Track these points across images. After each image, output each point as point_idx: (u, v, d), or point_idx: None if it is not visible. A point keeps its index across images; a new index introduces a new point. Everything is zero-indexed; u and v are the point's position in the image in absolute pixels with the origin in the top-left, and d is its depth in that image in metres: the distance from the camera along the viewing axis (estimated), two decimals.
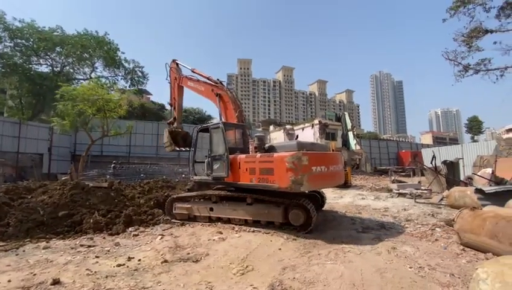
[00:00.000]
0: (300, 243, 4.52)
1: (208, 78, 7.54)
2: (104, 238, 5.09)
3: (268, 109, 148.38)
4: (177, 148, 8.20)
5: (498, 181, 10.18)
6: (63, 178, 10.93)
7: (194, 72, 8.03)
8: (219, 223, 5.88)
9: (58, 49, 22.42)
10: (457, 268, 3.38)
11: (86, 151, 13.77)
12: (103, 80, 22.53)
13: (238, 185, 5.66)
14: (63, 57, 23.25)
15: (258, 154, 5.37)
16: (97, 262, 3.82)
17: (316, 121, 28.26)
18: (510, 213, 4.10)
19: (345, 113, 30.77)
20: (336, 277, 3.15)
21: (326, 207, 7.64)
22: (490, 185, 9.10)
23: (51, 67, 23.25)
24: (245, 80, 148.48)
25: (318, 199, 7.23)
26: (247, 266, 3.54)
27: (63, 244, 4.73)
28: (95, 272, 3.44)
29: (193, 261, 3.77)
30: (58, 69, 23.54)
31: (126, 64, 25.74)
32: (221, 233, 5.20)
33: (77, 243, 4.77)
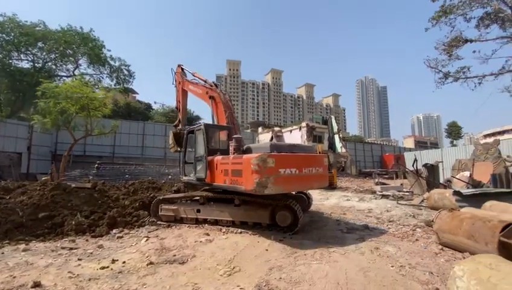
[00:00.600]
0: (287, 243, 4.58)
1: (205, 81, 7.79)
2: (86, 240, 4.95)
3: (257, 111, 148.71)
4: (179, 149, 8.32)
5: (475, 184, 10.70)
6: (43, 178, 10.50)
7: (195, 76, 8.38)
8: (206, 224, 5.84)
9: (40, 44, 21.57)
10: (436, 267, 3.53)
11: (68, 150, 13.29)
12: (87, 78, 21.90)
13: (214, 185, 5.78)
14: (45, 53, 22.37)
15: (231, 156, 5.39)
16: (79, 265, 3.71)
17: (304, 124, 28.63)
18: (486, 214, 4.34)
19: (332, 116, 31.28)
20: (321, 276, 3.22)
21: (312, 208, 7.77)
22: (468, 188, 9.55)
23: (32, 63, 22.31)
24: (234, 81, 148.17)
25: (305, 200, 7.35)
26: (234, 267, 3.54)
27: (43, 246, 4.57)
28: (78, 275, 3.34)
29: (179, 263, 3.73)
30: (40, 65, 22.63)
31: (112, 62, 25.09)
32: (208, 235, 5.17)
33: (58, 245, 4.62)
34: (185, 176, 6.82)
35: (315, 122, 33.76)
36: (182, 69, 8.87)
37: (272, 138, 23.49)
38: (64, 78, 23.52)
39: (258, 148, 5.30)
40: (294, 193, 5.99)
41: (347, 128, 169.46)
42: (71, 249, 4.43)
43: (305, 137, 27.46)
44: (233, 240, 4.84)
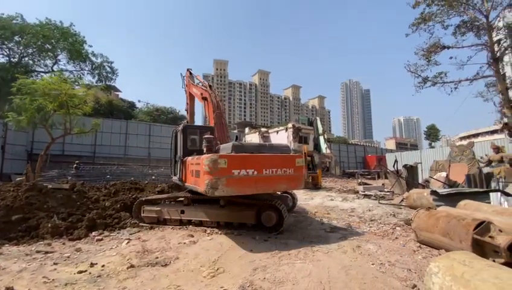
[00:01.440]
0: (271, 243, 4.60)
1: (202, 83, 8.11)
2: (63, 243, 4.74)
3: (244, 111, 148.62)
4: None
5: (451, 184, 11.22)
6: (18, 179, 9.97)
7: (197, 78, 8.91)
8: (190, 226, 5.76)
9: (17, 38, 20.51)
10: (414, 264, 3.66)
11: (45, 150, 12.66)
12: (67, 74, 21.00)
13: (186, 186, 5.92)
14: (21, 47, 21.28)
15: (196, 157, 5.44)
16: (55, 269, 3.54)
17: (290, 125, 28.86)
18: (460, 213, 4.54)
19: (317, 118, 31.84)
20: (304, 275, 3.26)
21: (297, 208, 7.84)
22: (444, 188, 10.00)
23: (7, 58, 21.18)
24: (221, 81, 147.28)
25: (290, 200, 7.42)
26: (218, 269, 3.51)
27: (16, 250, 4.33)
28: (53, 279, 3.19)
29: (162, 266, 3.65)
30: (16, 60, 21.50)
31: (93, 59, 24.27)
32: (192, 236, 5.09)
33: (33, 249, 4.39)
34: (174, 175, 6.88)
35: (301, 123, 34.14)
36: (190, 73, 9.29)
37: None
38: (42, 74, 22.48)
39: (224, 148, 5.25)
40: (275, 193, 5.99)
41: (332, 129, 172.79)
42: (47, 253, 4.23)
43: (291, 138, 27.70)
44: (218, 241, 4.80)
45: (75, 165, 15.18)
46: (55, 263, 3.75)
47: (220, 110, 7.10)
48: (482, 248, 3.43)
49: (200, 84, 8.54)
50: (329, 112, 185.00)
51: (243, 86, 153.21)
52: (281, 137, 28.99)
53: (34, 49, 21.71)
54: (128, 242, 4.78)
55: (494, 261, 3.11)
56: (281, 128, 30.56)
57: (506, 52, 13.37)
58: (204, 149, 5.35)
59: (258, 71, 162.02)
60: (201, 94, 7.65)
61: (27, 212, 5.54)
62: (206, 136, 5.65)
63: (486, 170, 11.97)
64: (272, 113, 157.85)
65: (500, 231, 3.47)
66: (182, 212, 5.86)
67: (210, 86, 7.68)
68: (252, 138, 32.26)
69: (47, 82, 11.71)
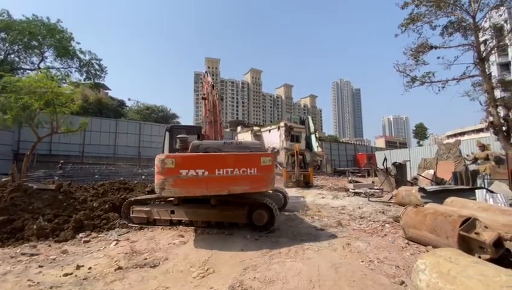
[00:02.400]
0: (262, 242, 4.59)
1: (208, 83, 7.95)
2: (49, 245, 4.60)
3: (237, 110, 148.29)
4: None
5: (438, 181, 11.48)
6: (3, 179, 9.64)
7: (204, 78, 8.68)
8: (181, 226, 5.69)
9: (2, 35, 19.84)
10: (402, 260, 3.72)
11: (31, 149, 12.30)
12: (54, 72, 20.47)
13: None
14: (7, 44, 20.60)
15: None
16: (40, 272, 3.44)
17: (282, 124, 28.96)
18: (447, 210, 4.64)
19: (309, 117, 32.08)
20: (294, 274, 3.26)
21: (288, 206, 7.86)
22: (432, 185, 10.21)
23: None
24: (213, 79, 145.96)
25: (281, 199, 7.43)
26: (208, 269, 3.48)
27: (1, 253, 4.19)
28: (38, 283, 3.10)
29: (150, 267, 3.59)
30: (2, 57, 20.82)
31: (81, 56, 23.71)
32: (182, 236, 5.03)
33: (18, 251, 4.25)
34: None
35: (293, 122, 34.32)
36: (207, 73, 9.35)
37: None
38: (28, 71, 21.86)
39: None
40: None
41: (323, 128, 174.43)
42: (32, 255, 4.10)
43: (284, 136, 27.81)
44: (208, 240, 4.75)
45: (59, 165, 14.76)
46: (40, 266, 3.63)
47: (216, 109, 7.05)
48: (468, 244, 3.50)
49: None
50: (320, 111, 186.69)
51: (235, 85, 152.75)
52: (273, 136, 29.07)
53: (20, 46, 21.06)
54: (116, 243, 4.69)
55: (479, 257, 3.18)
56: (273, 127, 30.64)
57: (492, 52, 13.76)
58: (179, 149, 5.30)
59: (250, 70, 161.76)
60: (203, 94, 7.61)
61: (12, 213, 5.36)
62: (179, 135, 5.58)
63: (472, 167, 12.32)
64: (264, 112, 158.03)
65: (486, 227, 3.56)
66: (172, 212, 5.77)
67: (213, 86, 7.55)
68: (245, 136, 32.21)
69: (33, 80, 11.34)
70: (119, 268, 3.50)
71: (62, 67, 23.34)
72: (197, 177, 4.49)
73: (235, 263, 3.68)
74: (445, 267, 2.36)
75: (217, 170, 4.58)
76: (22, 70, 22.08)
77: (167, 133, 6.50)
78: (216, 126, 6.91)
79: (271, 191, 7.42)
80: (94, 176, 13.92)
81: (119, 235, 5.25)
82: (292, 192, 11.48)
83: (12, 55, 21.69)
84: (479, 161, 12.50)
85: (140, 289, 2.95)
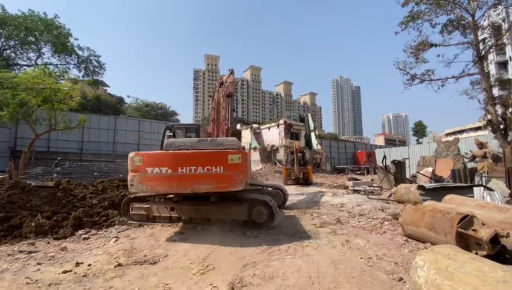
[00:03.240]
0: (262, 239, 4.60)
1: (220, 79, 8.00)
2: (48, 243, 4.60)
3: (236, 107, 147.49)
4: None
5: (437, 179, 11.53)
6: (0, 177, 9.62)
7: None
8: (180, 223, 5.70)
9: None
10: (401, 257, 3.74)
11: (29, 146, 12.25)
12: (51, 68, 20.26)
13: None
14: (3, 39, 20.41)
15: None
16: (39, 269, 3.43)
17: (282, 121, 28.98)
18: (445, 207, 4.66)
19: (308, 114, 32.06)
20: (294, 270, 3.28)
21: (288, 204, 7.89)
22: (431, 182, 10.26)
23: None
24: (212, 76, 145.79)
25: (281, 196, 7.45)
26: (207, 266, 3.49)
27: None
28: (36, 280, 3.09)
29: (150, 264, 3.60)
30: None
31: (80, 52, 23.55)
32: (182, 233, 5.05)
33: (16, 249, 4.24)
34: None
35: (293, 119, 34.34)
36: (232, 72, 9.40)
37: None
38: (25, 67, 21.70)
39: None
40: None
41: (323, 126, 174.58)
42: (30, 252, 4.09)
43: (283, 134, 27.84)
44: (208, 237, 4.76)
45: (55, 162, 14.66)
46: (38, 263, 3.63)
47: (220, 106, 7.06)
48: (465, 241, 3.53)
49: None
50: (320, 109, 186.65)
51: (235, 82, 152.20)
52: (273, 133, 29.09)
53: (16, 42, 20.89)
54: (116, 240, 4.69)
55: (477, 253, 3.21)
56: (272, 124, 30.64)
57: (491, 50, 13.75)
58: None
59: (249, 67, 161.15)
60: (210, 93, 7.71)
61: (9, 211, 5.35)
62: (167, 134, 5.72)
63: (470, 165, 12.38)
64: (264, 110, 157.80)
65: (483, 224, 3.58)
66: (172, 209, 5.76)
67: (221, 84, 7.58)
68: (244, 134, 32.21)
69: (30, 76, 11.26)
70: (119, 265, 3.51)
71: (60, 64, 23.21)
72: (161, 175, 4.61)
73: (235, 260, 3.69)
74: (444, 263, 2.38)
75: (179, 168, 4.62)
76: (18, 66, 21.91)
77: (167, 131, 6.58)
78: (218, 124, 6.88)
79: (270, 188, 7.45)
80: (93, 173, 13.90)
81: (119, 232, 5.26)
82: (291, 189, 11.52)
83: (8, 51, 21.51)
84: (477, 159, 12.57)
85: (140, 286, 2.95)
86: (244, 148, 6.15)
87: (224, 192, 5.05)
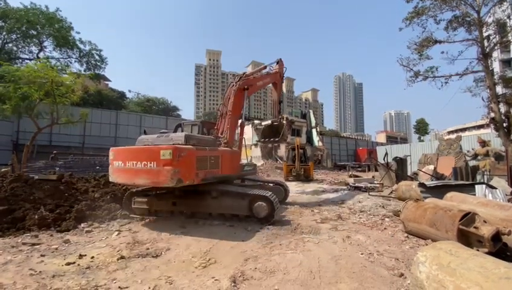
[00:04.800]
0: (263, 234, 4.63)
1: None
2: (51, 235, 4.64)
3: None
4: (259, 140, 8.73)
5: (438, 176, 11.51)
6: (3, 169, 9.66)
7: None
8: (182, 217, 5.73)
9: None
10: (402, 253, 3.76)
11: (31, 140, 12.31)
12: (53, 62, 20.29)
13: None
14: (4, 33, 20.35)
15: None
16: (42, 261, 3.47)
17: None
18: (447, 204, 4.67)
19: (310, 111, 31.97)
20: (295, 265, 3.30)
21: (289, 199, 7.91)
22: (432, 180, 10.24)
23: None
24: (214, 71, 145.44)
25: (282, 192, 7.47)
26: (209, 259, 3.52)
27: (2, 242, 4.21)
28: (40, 271, 3.13)
29: (152, 257, 3.63)
30: None
31: (81, 46, 23.48)
32: (184, 227, 5.08)
33: (19, 241, 4.28)
34: None
35: (294, 116, 34.23)
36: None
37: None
38: (27, 60, 21.68)
39: None
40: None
41: (324, 122, 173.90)
42: (33, 244, 4.13)
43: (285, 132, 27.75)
44: (210, 232, 4.80)
45: (51, 156, 14.62)
46: (42, 255, 3.67)
47: (227, 101, 7.13)
48: (467, 238, 3.54)
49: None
50: (322, 105, 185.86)
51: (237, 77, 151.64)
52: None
53: (18, 35, 20.84)
54: (118, 233, 4.73)
55: (478, 250, 3.21)
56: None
57: (495, 48, 13.58)
58: None
59: (251, 62, 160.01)
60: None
61: (12, 203, 5.39)
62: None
63: (472, 163, 12.33)
64: (266, 105, 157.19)
65: (485, 221, 3.58)
66: (174, 203, 5.81)
67: (240, 77, 7.71)
68: (245, 130, 32.15)
69: (32, 69, 11.28)
70: (122, 258, 3.54)
71: (62, 58, 23.19)
72: (118, 167, 5.19)
73: (236, 254, 3.72)
74: (446, 259, 2.38)
75: (127, 162, 5.04)
76: (20, 60, 21.91)
77: (178, 129, 7.13)
78: (222, 119, 6.86)
79: (269, 184, 7.46)
80: (95, 167, 13.95)
81: (121, 225, 5.30)
82: (292, 186, 11.54)
83: (10, 44, 21.49)
84: (479, 157, 12.51)
85: (143, 278, 2.98)
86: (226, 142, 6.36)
87: (223, 189, 5.49)
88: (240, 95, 7.22)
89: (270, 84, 9.21)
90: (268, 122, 11.07)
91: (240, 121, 7.25)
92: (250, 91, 7.74)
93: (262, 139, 9.52)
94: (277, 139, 9.14)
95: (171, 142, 5.09)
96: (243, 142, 7.37)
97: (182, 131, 7.09)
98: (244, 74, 8.06)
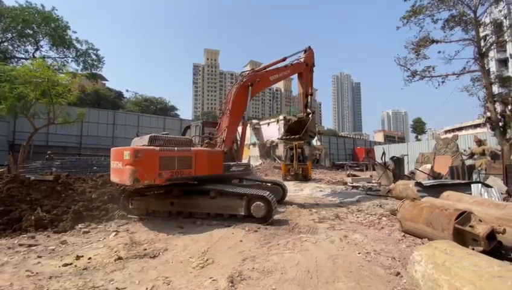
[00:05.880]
0: (261, 234, 4.64)
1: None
2: (48, 236, 4.62)
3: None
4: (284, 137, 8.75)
5: (435, 176, 11.58)
6: None
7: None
8: (180, 217, 5.73)
9: None
10: (398, 252, 3.78)
11: (28, 140, 12.21)
12: (50, 61, 20.14)
13: None
14: (0, 32, 20.15)
15: None
16: (39, 262, 3.46)
17: (281, 117, 28.91)
18: (443, 203, 4.70)
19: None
20: (292, 265, 3.31)
21: (287, 199, 7.92)
22: (429, 179, 10.30)
23: None
24: (212, 71, 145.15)
25: (280, 192, 7.49)
26: (207, 259, 3.52)
27: None
28: (37, 273, 3.12)
29: (150, 257, 3.63)
30: None
31: (78, 45, 23.30)
32: (181, 227, 5.08)
33: (16, 242, 4.26)
34: None
35: (292, 115, 34.25)
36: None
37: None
38: (22, 60, 21.49)
39: None
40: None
41: (322, 122, 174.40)
42: (30, 245, 4.11)
43: (283, 130, 27.78)
44: (208, 232, 4.80)
45: (47, 156, 14.51)
46: (39, 256, 3.66)
47: (226, 99, 7.10)
48: (462, 237, 3.57)
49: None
50: (320, 105, 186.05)
51: (235, 77, 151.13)
52: (272, 129, 29.03)
53: (14, 34, 20.66)
54: (116, 234, 4.72)
55: (473, 249, 3.24)
56: (272, 120, 30.58)
57: (492, 47, 13.66)
58: None
59: (249, 62, 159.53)
60: None
61: (8, 204, 5.36)
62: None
63: (468, 162, 12.41)
64: (264, 105, 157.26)
65: (480, 220, 3.61)
66: (172, 203, 5.81)
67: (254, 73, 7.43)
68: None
69: (28, 69, 11.19)
70: (119, 258, 3.53)
71: (58, 57, 23.01)
72: (111, 167, 5.70)
73: (234, 254, 3.72)
74: (441, 258, 2.41)
75: (112, 162, 5.62)
76: (16, 59, 21.73)
77: (188, 131, 7.58)
78: (224, 118, 6.83)
79: (266, 184, 7.46)
80: (92, 168, 13.88)
81: (119, 226, 5.29)
82: (290, 185, 11.56)
83: (6, 44, 21.30)
84: (475, 156, 12.59)
85: (141, 279, 2.98)
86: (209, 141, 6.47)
87: (221, 189, 5.63)
88: (243, 92, 6.94)
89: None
90: (294, 118, 10.65)
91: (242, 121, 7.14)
92: (261, 86, 7.42)
93: (286, 136, 8.68)
94: (298, 136, 8.29)
95: (139, 143, 5.58)
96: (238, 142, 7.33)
97: (184, 131, 7.65)
98: (252, 70, 7.65)
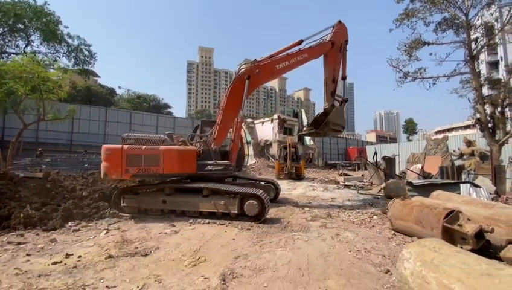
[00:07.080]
0: (253, 232, 4.65)
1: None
2: (37, 234, 4.54)
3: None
4: (306, 131, 8.62)
5: (425, 175, 11.79)
6: None
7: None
8: (172, 215, 5.69)
9: None
10: (388, 250, 3.84)
11: (17, 136, 11.96)
12: (40, 56, 19.67)
13: None
14: None
15: None
16: (28, 261, 3.40)
17: (276, 116, 28.99)
18: (432, 203, 4.79)
19: (302, 110, 32.16)
20: (284, 262, 3.33)
21: (280, 198, 7.95)
22: (419, 179, 10.49)
23: None
24: (206, 69, 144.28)
25: (273, 190, 7.51)
26: (199, 258, 3.51)
27: None
28: (26, 271, 3.06)
29: (142, 256, 3.59)
30: None
31: (70, 41, 22.76)
32: (174, 226, 5.04)
33: (4, 240, 4.18)
34: None
35: (286, 115, 34.40)
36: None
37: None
38: (13, 55, 20.93)
39: None
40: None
41: None
42: (19, 243, 4.04)
43: (277, 129, 27.89)
44: (200, 230, 4.78)
45: (36, 153, 14.25)
46: (28, 254, 3.59)
47: (223, 96, 7.10)
48: (451, 235, 3.65)
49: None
50: (314, 104, 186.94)
51: (229, 75, 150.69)
52: (267, 128, 29.10)
53: (5, 29, 20.09)
54: (107, 232, 4.66)
55: (461, 247, 3.32)
56: (266, 119, 30.62)
57: (483, 50, 13.94)
58: None
59: (244, 60, 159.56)
60: None
61: None
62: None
63: (458, 162, 12.68)
64: (258, 104, 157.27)
65: (468, 219, 3.70)
66: (164, 202, 5.76)
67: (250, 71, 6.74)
68: None
69: (18, 64, 10.95)
70: (110, 257, 3.49)
71: (49, 52, 22.45)
72: None
73: (227, 252, 3.72)
74: (429, 256, 2.45)
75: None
76: (6, 54, 21.17)
77: (197, 130, 7.96)
78: (216, 116, 6.82)
79: (265, 183, 7.47)
80: (83, 165, 13.67)
81: (110, 224, 5.22)
82: (284, 184, 11.60)
83: None
84: (464, 157, 12.87)
85: (132, 277, 2.96)
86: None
87: (214, 187, 5.65)
88: (238, 86, 6.47)
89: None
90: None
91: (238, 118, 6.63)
92: (263, 78, 6.62)
93: (309, 130, 7.83)
94: (315, 130, 7.53)
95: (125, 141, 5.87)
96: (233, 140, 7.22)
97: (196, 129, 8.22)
98: (254, 60, 6.67)
